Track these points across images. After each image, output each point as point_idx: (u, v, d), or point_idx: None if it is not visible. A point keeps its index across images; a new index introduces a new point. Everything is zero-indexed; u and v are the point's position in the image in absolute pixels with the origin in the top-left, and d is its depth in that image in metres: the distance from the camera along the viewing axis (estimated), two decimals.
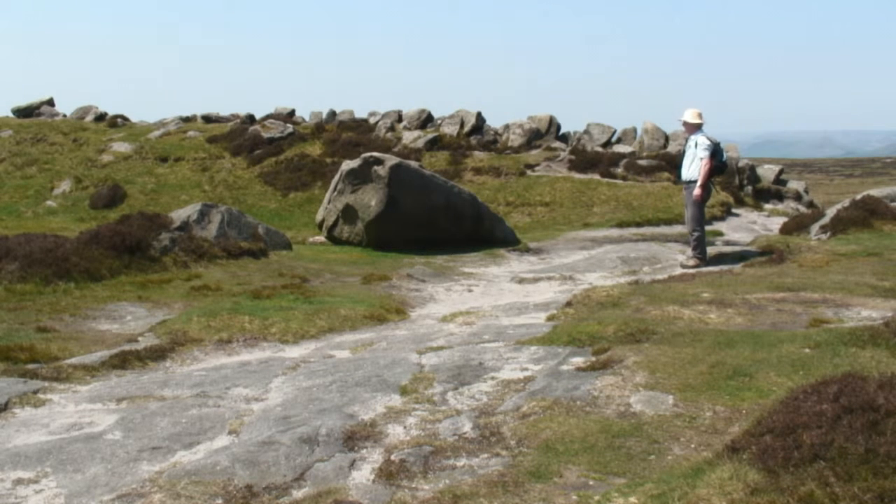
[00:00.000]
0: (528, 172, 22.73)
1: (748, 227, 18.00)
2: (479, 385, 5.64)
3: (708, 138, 11.17)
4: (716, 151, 11.16)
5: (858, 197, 14.50)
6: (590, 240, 15.57)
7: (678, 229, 16.18)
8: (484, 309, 9.02)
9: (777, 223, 17.72)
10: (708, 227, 17.53)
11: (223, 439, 4.77)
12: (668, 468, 3.94)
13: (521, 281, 11.22)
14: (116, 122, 30.84)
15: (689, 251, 11.64)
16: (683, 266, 11.38)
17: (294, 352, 7.22)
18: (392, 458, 4.30)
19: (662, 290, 8.61)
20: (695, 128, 11.29)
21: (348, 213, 14.49)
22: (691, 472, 3.66)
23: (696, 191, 11.12)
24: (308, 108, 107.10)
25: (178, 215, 12.28)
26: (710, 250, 12.30)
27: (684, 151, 11.65)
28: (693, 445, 4.26)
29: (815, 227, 13.80)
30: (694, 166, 11.20)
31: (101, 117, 31.34)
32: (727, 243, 14.91)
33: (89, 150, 27.68)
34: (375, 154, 14.65)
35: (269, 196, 23.35)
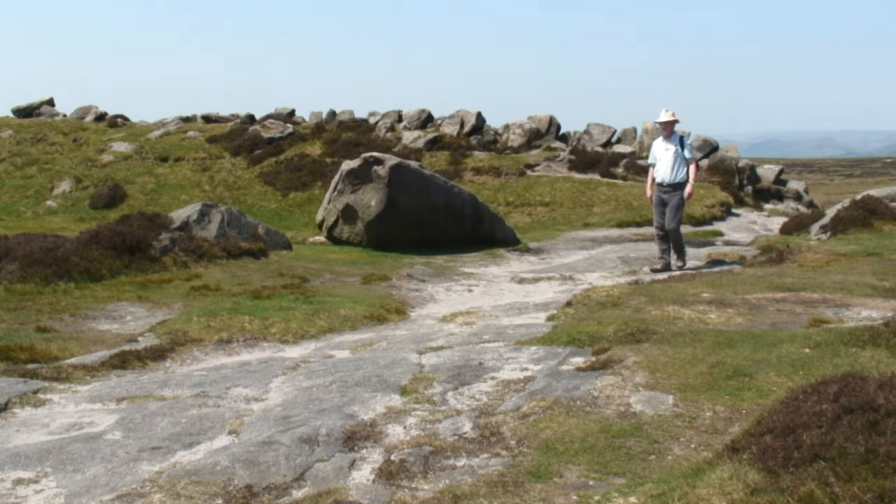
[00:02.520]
0: (528, 172, 22.74)
1: (748, 227, 18.02)
2: (479, 385, 5.64)
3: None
4: None
5: (858, 197, 14.51)
6: (590, 240, 15.58)
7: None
8: (484, 309, 9.02)
9: (777, 223, 17.73)
10: (708, 227, 17.57)
11: (223, 439, 4.76)
12: (668, 468, 3.94)
13: (521, 281, 11.22)
14: (116, 122, 30.86)
15: (672, 255, 11.43)
16: (669, 269, 11.19)
17: (294, 352, 7.22)
18: (392, 458, 4.30)
19: (662, 290, 8.61)
20: (672, 126, 11.21)
21: (348, 213, 14.49)
22: (691, 472, 3.66)
23: (688, 189, 11.09)
24: (308, 108, 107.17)
25: (178, 215, 12.28)
26: (711, 250, 12.31)
27: (654, 153, 11.39)
28: (693, 445, 4.26)
29: (815, 227, 13.81)
30: (682, 168, 11.07)
31: (101, 117, 31.36)
32: (727, 243, 14.91)
33: (89, 150, 27.69)
34: (375, 154, 14.66)
35: (269, 196, 23.36)
